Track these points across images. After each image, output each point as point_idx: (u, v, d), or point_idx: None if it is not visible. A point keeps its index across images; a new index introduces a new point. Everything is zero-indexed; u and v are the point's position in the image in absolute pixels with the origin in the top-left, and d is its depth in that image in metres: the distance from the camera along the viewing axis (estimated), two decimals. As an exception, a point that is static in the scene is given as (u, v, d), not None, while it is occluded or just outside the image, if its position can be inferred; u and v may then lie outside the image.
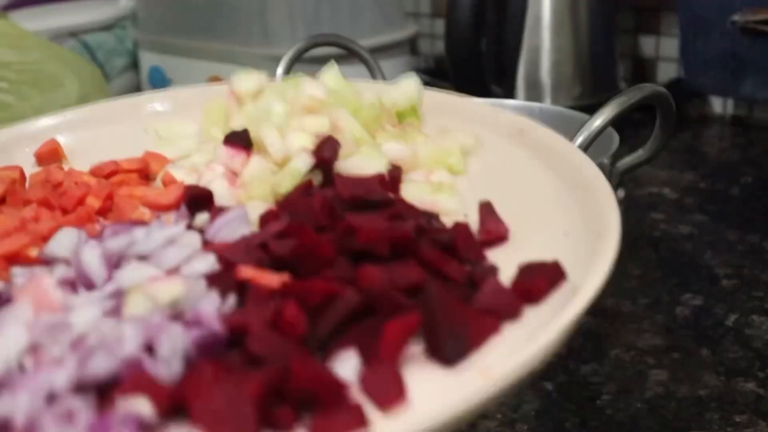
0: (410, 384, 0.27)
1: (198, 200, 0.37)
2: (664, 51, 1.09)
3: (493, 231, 0.35)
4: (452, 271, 0.31)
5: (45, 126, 0.48)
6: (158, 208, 0.39)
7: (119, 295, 0.30)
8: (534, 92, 0.94)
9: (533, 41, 0.93)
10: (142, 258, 0.33)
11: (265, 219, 0.35)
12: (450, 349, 0.28)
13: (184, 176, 0.42)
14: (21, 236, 0.36)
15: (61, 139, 0.47)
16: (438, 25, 1.22)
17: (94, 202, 0.39)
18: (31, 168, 0.46)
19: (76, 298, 0.31)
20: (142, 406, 0.26)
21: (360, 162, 0.39)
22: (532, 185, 0.39)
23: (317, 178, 0.39)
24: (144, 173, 0.44)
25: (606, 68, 0.99)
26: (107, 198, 0.40)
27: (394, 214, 0.34)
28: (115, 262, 0.33)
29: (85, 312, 0.29)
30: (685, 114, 1.02)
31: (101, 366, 0.27)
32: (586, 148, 0.52)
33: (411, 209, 0.36)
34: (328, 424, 0.25)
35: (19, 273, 0.35)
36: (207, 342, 0.27)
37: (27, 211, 0.39)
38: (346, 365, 0.28)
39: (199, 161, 0.43)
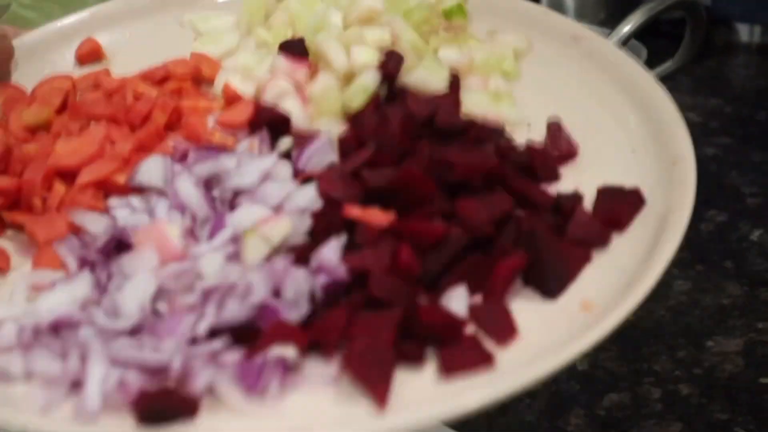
0: (517, 318, 0.28)
1: (275, 123, 0.37)
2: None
3: (564, 150, 0.35)
4: (539, 199, 0.32)
5: (77, 23, 0.45)
6: (231, 127, 0.39)
7: (236, 240, 0.30)
8: (558, 17, 0.93)
9: (558, -35, 0.92)
10: (241, 193, 0.33)
11: (347, 143, 0.34)
12: (553, 283, 0.29)
13: (243, 86, 0.41)
14: (105, 162, 0.36)
15: (97, 38, 0.45)
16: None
17: (160, 118, 0.38)
18: (71, 70, 0.44)
19: (197, 245, 0.31)
20: (286, 350, 0.27)
21: (424, 75, 0.39)
22: (589, 96, 0.38)
23: (382, 91, 0.39)
24: (196, 78, 0.43)
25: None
26: (174, 112, 0.39)
27: (474, 138, 0.34)
28: (209, 191, 0.34)
29: (211, 259, 0.30)
30: (711, 41, 1.01)
31: (236, 312, 0.28)
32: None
33: (485, 130, 0.35)
34: (456, 361, 0.27)
35: (116, 204, 0.34)
36: (332, 287, 0.29)
37: (96, 129, 0.38)
38: (457, 301, 0.28)
39: (252, 65, 0.42)
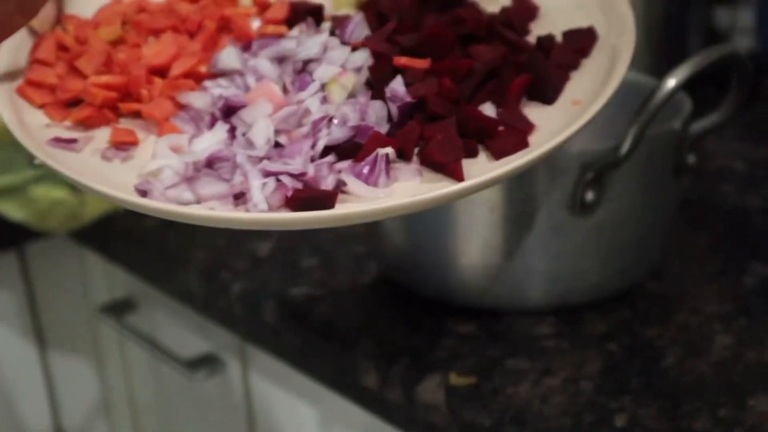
0: (530, 117, 0.41)
1: (312, 12, 0.46)
2: (741, 21, 1.06)
3: (529, 10, 0.47)
4: (524, 45, 0.44)
5: None
6: (274, 23, 0.46)
7: (322, 88, 0.42)
8: (603, 63, 0.93)
9: (604, 10, 0.92)
10: (310, 62, 0.44)
11: (371, 22, 0.45)
12: (551, 93, 0.42)
13: None
14: (187, 58, 0.45)
15: None
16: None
17: (210, 25, 0.46)
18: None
19: (296, 94, 0.42)
20: (386, 150, 0.39)
21: None
22: None
23: None
24: None
25: (678, 39, 0.97)
26: (221, 19, 0.47)
27: (466, 4, 0.46)
28: (281, 65, 0.44)
29: (311, 101, 0.41)
30: (760, 88, 1.00)
31: (340, 134, 0.40)
32: (659, 109, 0.52)
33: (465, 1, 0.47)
34: (500, 146, 0.40)
35: (210, 85, 0.44)
36: (404, 108, 0.41)
37: (167, 36, 0.46)
38: (488, 111, 0.41)
39: None
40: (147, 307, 0.86)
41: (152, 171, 0.40)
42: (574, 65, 0.44)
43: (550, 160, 0.52)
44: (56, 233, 0.82)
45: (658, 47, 0.94)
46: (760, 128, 0.92)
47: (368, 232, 0.65)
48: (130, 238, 0.77)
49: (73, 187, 0.77)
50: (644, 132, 0.53)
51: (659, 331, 0.57)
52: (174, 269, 0.72)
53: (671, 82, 0.51)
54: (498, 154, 0.40)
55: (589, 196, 0.54)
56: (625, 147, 0.53)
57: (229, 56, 0.44)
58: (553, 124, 0.41)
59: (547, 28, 0.46)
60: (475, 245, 0.57)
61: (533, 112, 0.42)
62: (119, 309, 0.87)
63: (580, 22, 0.45)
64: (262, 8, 0.47)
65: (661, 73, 0.53)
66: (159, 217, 0.38)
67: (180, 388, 0.85)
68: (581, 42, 0.44)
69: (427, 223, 0.57)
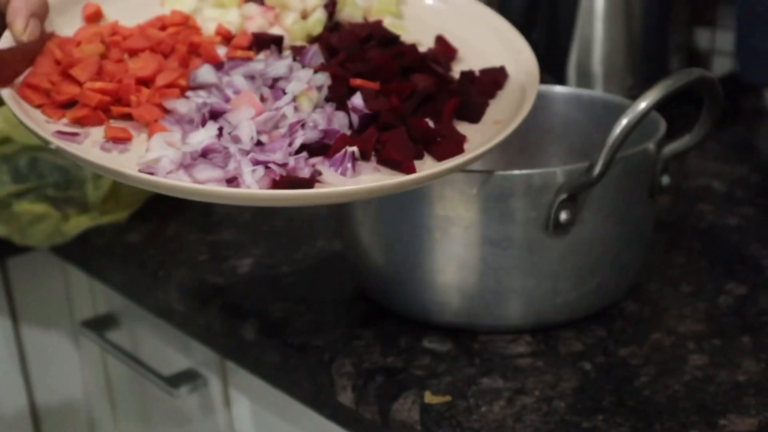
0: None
1: (270, 41, 0.56)
2: (720, 44, 1.07)
3: (449, 52, 0.58)
4: (450, 77, 0.55)
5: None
6: (239, 48, 0.55)
7: (293, 100, 0.51)
8: (585, 82, 0.94)
9: (586, 31, 0.93)
10: (278, 80, 0.52)
11: (324, 51, 0.55)
12: (476, 113, 0.53)
13: (230, 26, 0.57)
14: (169, 72, 0.51)
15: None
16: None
17: (182, 49, 0.53)
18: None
19: (273, 102, 0.51)
20: (352, 148, 0.48)
21: (349, 12, 0.58)
22: (458, 28, 0.60)
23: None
24: (187, 26, 0.57)
25: (659, 60, 0.98)
26: (191, 45, 0.54)
27: (400, 44, 0.56)
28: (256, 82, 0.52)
29: (287, 109, 0.50)
30: (739, 108, 1.01)
31: (312, 135, 0.49)
32: (630, 131, 0.53)
33: (399, 41, 0.57)
34: (441, 151, 0.50)
35: (191, 95, 0.51)
36: (364, 118, 0.50)
37: (147, 55, 0.52)
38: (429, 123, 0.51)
39: (219, 17, 0.57)
40: (129, 323, 0.86)
41: (151, 159, 0.47)
42: (491, 95, 0.55)
43: (528, 179, 0.54)
44: (38, 248, 0.82)
45: (639, 68, 0.95)
46: (738, 148, 0.92)
47: (347, 250, 0.65)
48: (111, 254, 0.77)
49: (55, 201, 0.78)
50: (616, 153, 0.53)
51: (633, 350, 0.58)
52: (154, 286, 0.72)
53: (642, 105, 0.52)
54: (440, 157, 0.49)
55: (564, 215, 0.55)
56: (598, 167, 0.53)
57: (206, 72, 0.52)
58: (480, 138, 0.51)
59: (465, 66, 0.57)
60: (451, 264, 0.57)
61: (462, 128, 0.52)
62: (101, 324, 0.87)
63: (493, 62, 0.57)
64: (226, 38, 0.56)
65: (643, 92, 0.54)
66: (170, 195, 0.45)
67: (162, 403, 0.85)
68: (496, 77, 0.56)
69: (404, 241, 0.58)
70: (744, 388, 0.53)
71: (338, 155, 0.47)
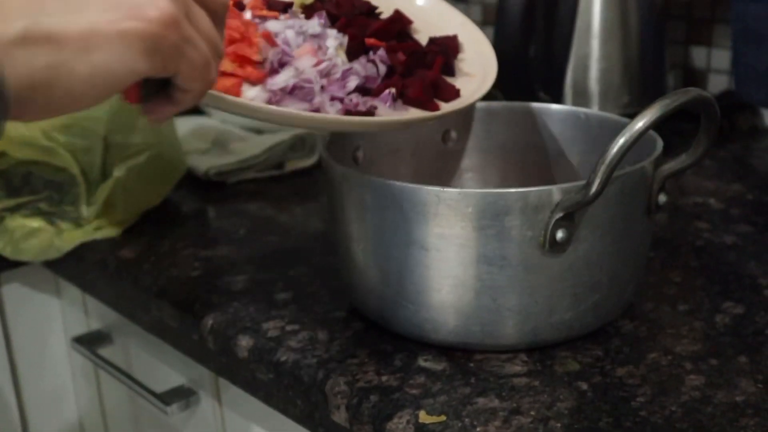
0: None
1: (282, 5, 0.65)
2: (716, 63, 1.08)
3: (407, 21, 0.68)
4: (419, 45, 0.67)
5: None
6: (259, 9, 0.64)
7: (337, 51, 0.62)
8: (582, 100, 0.95)
9: (582, 49, 0.94)
10: (316, 36, 0.62)
11: (326, 14, 0.65)
12: (451, 68, 0.66)
13: None
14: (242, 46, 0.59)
15: None
16: (488, 32, 1.23)
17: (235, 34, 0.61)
18: None
19: (324, 54, 0.61)
20: (391, 90, 0.60)
21: None
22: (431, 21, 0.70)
23: None
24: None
25: (655, 78, 0.98)
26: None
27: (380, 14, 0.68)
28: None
29: (338, 59, 0.61)
30: (735, 126, 1.01)
31: (358, 81, 0.60)
32: (627, 150, 0.53)
33: (378, 13, 0.68)
34: (449, 94, 0.63)
35: (268, 52, 0.60)
36: (389, 68, 0.62)
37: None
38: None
39: None
40: (122, 339, 0.85)
41: (251, 99, 0.56)
42: (455, 55, 0.67)
43: (525, 197, 0.54)
44: (31, 263, 0.82)
45: (635, 86, 0.95)
46: (735, 166, 0.92)
47: (341, 268, 0.65)
48: (105, 269, 0.77)
49: (48, 216, 0.77)
50: (613, 172, 0.53)
51: (630, 370, 0.57)
52: (148, 302, 0.72)
53: (639, 124, 0.52)
54: (449, 99, 0.62)
55: (560, 234, 0.55)
56: (595, 186, 0.53)
57: (274, 24, 0.62)
58: (462, 85, 0.64)
59: (422, 38, 0.68)
60: (446, 282, 0.57)
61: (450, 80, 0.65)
62: (94, 340, 0.86)
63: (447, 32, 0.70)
64: (236, 3, 0.63)
65: (639, 110, 0.54)
66: (274, 122, 0.55)
67: (154, 420, 0.84)
68: (452, 42, 0.68)
69: (399, 259, 0.57)
70: (741, 408, 0.53)
71: (384, 94, 0.59)
